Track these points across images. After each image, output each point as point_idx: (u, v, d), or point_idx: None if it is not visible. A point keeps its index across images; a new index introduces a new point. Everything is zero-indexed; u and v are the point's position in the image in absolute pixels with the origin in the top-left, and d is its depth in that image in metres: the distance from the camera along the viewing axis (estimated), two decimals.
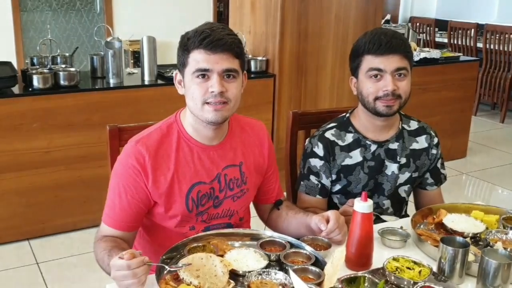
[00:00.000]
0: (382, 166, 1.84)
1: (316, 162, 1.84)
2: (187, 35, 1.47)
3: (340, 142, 1.84)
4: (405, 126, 1.89)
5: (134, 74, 3.61)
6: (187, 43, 1.45)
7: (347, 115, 1.90)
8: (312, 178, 1.84)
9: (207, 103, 1.44)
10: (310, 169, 1.84)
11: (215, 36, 1.42)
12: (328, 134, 1.85)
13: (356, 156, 1.83)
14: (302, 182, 1.86)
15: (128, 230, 1.51)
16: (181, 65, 1.49)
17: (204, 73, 1.44)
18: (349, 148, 1.83)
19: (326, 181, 1.85)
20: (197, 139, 1.54)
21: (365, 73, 1.75)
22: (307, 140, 1.92)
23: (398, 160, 1.85)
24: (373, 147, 1.83)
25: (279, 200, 1.74)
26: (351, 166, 1.83)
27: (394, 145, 1.85)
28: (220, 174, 1.56)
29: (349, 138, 1.84)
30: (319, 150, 1.83)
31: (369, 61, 1.73)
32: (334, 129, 1.86)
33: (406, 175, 1.87)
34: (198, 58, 1.43)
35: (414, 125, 1.92)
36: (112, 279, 1.25)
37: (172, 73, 3.44)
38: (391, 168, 1.85)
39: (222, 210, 1.59)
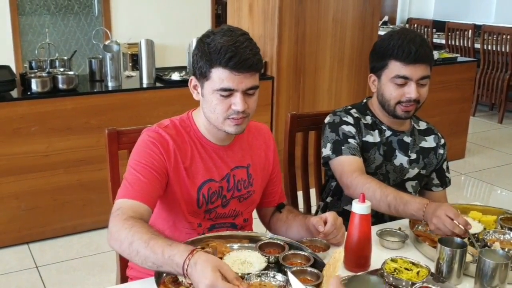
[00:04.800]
0: (392, 155, 1.88)
1: (349, 128, 1.85)
2: (209, 46, 1.42)
3: (363, 120, 1.89)
4: (415, 125, 1.96)
5: (133, 77, 3.62)
6: (210, 57, 1.42)
7: (365, 100, 1.97)
8: (351, 140, 1.83)
9: (229, 118, 1.47)
10: (346, 134, 1.84)
11: (241, 57, 1.39)
12: (352, 112, 1.90)
13: (376, 136, 1.88)
14: (343, 147, 1.82)
15: (151, 206, 1.44)
16: (201, 75, 1.46)
17: (228, 92, 1.44)
18: (371, 127, 1.89)
19: (359, 146, 1.85)
20: (208, 138, 1.56)
21: (390, 78, 1.79)
22: (328, 116, 1.92)
23: (409, 154, 1.89)
24: (388, 133, 1.89)
25: (281, 204, 1.75)
26: (370, 144, 1.87)
27: (408, 139, 1.91)
28: (230, 174, 1.58)
29: (369, 119, 1.90)
30: (349, 119, 1.87)
31: (396, 68, 1.77)
32: (355, 109, 1.92)
33: (415, 170, 1.91)
34: (222, 77, 1.41)
35: (423, 125, 1.99)
36: (196, 283, 1.18)
37: (170, 76, 3.46)
38: (400, 159, 1.89)
39: (229, 210, 1.61)
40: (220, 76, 1.42)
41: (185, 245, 1.25)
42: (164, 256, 1.23)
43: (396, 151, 1.89)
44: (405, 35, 1.77)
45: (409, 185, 1.93)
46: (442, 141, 1.99)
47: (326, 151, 1.85)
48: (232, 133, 1.51)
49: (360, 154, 1.83)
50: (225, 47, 1.40)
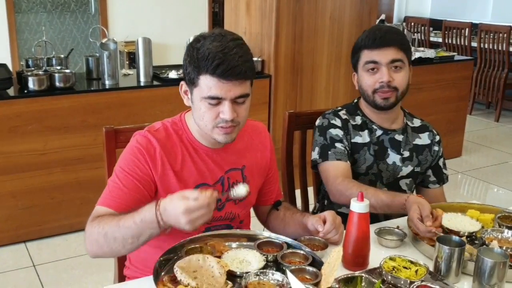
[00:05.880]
0: (384, 153, 1.89)
1: (337, 131, 1.87)
2: (198, 52, 1.38)
3: (352, 121, 1.90)
4: (409, 123, 1.96)
5: (130, 75, 3.61)
6: (198, 63, 1.37)
7: (355, 100, 1.98)
8: (338, 145, 1.85)
9: (217, 127, 1.43)
10: (333, 138, 1.86)
11: (229, 64, 1.34)
12: (341, 113, 1.92)
13: (365, 136, 1.89)
14: (329, 152, 1.83)
15: None
16: (190, 81, 1.43)
17: (216, 101, 1.40)
18: (360, 127, 1.90)
19: (347, 149, 1.87)
20: (201, 142, 1.54)
21: (362, 67, 1.83)
22: (318, 119, 1.94)
23: (401, 152, 1.90)
24: (379, 132, 1.90)
25: (278, 201, 1.74)
26: (359, 145, 1.88)
27: (399, 137, 1.91)
28: (224, 177, 1.57)
29: (358, 120, 1.91)
30: (337, 122, 1.89)
31: (366, 55, 1.82)
32: (344, 111, 1.93)
33: (409, 168, 1.91)
34: (210, 85, 1.37)
35: (417, 122, 1.99)
36: (176, 222, 1.23)
37: (167, 74, 3.46)
38: (393, 158, 1.90)
39: (225, 213, 1.60)
40: (207, 84, 1.38)
41: (148, 204, 1.28)
42: (137, 224, 1.27)
43: (388, 149, 1.90)
44: (374, 27, 1.86)
45: (403, 183, 1.93)
46: (437, 138, 1.99)
47: (314, 155, 1.88)
48: (221, 142, 1.47)
49: (347, 158, 1.84)
50: (213, 53, 1.35)
